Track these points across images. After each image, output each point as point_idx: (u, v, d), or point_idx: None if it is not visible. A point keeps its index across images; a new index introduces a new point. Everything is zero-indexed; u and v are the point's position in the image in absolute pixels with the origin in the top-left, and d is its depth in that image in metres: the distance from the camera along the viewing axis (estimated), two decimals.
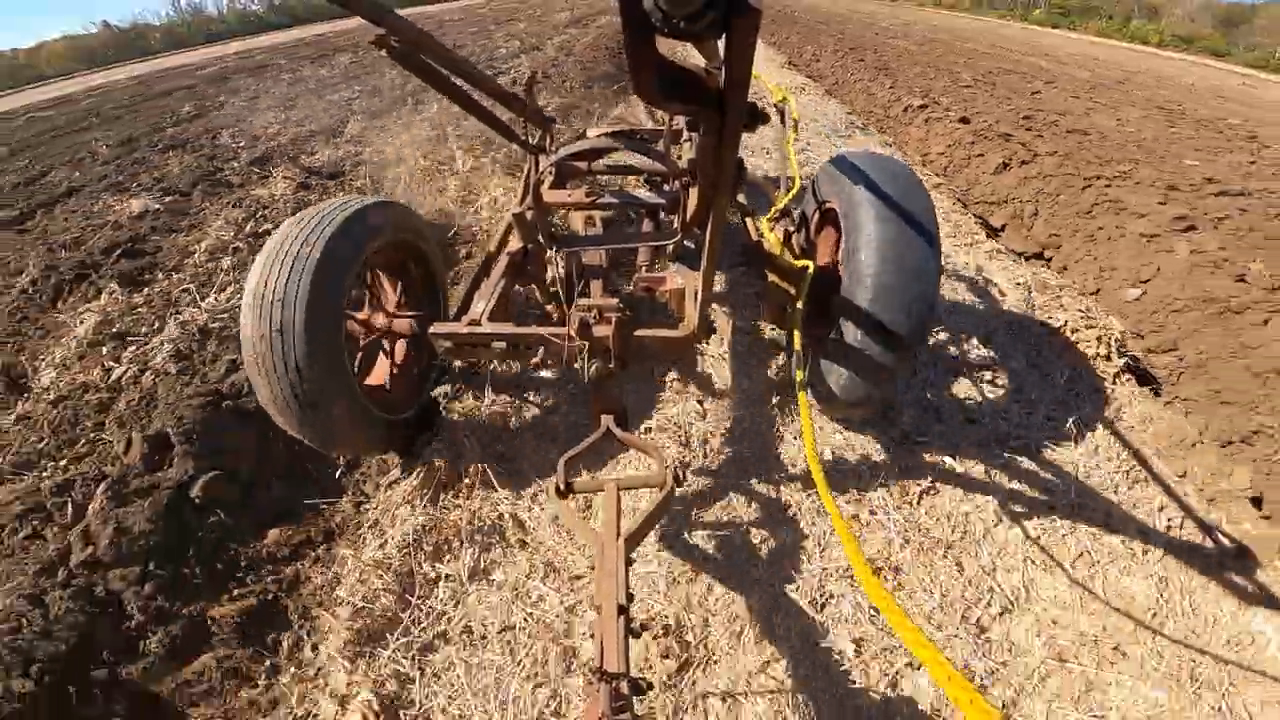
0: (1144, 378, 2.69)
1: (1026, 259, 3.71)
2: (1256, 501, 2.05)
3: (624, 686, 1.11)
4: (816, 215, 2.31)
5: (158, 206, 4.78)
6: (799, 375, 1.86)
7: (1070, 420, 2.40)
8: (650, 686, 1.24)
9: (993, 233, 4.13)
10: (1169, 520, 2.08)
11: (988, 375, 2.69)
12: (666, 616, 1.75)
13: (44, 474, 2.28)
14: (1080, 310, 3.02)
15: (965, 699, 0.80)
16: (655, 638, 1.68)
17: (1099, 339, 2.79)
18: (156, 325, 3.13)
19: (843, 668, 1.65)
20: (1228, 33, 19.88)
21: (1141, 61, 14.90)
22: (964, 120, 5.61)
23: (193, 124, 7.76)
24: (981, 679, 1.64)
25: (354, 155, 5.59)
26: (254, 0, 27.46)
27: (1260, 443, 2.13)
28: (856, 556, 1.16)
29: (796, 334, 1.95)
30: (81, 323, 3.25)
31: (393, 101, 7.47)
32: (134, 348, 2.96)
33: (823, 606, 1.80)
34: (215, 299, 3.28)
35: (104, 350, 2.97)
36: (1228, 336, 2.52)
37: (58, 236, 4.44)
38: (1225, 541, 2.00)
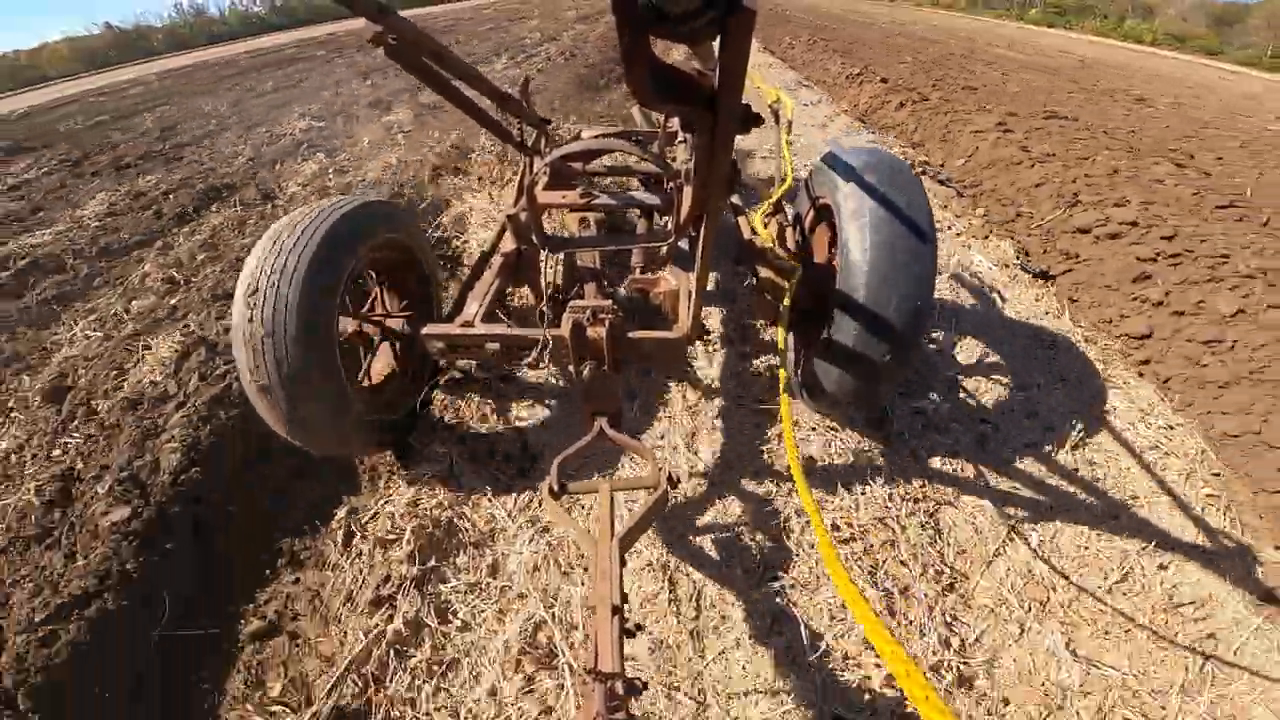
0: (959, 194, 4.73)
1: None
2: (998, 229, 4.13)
3: (619, 686, 1.11)
4: (811, 212, 2.30)
5: (319, 125, 7.02)
6: (783, 373, 1.86)
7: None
8: (645, 686, 1.24)
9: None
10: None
11: None
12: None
13: None
14: (903, 153, 5.70)
15: (920, 696, 0.81)
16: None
17: (912, 162, 5.37)
18: (359, 166, 5.41)
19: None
20: (1220, 31, 19.95)
21: (1131, 60, 14.98)
22: (884, 80, 7.70)
23: (281, 93, 9.14)
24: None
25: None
26: (255, 2, 27.36)
27: (1020, 222, 4.05)
28: (829, 552, 1.17)
29: (781, 332, 1.95)
30: (307, 168, 5.53)
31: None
32: (349, 174, 5.24)
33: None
34: (392, 158, 5.44)
35: (330, 175, 5.27)
36: (1009, 176, 4.55)
37: (250, 142, 6.57)
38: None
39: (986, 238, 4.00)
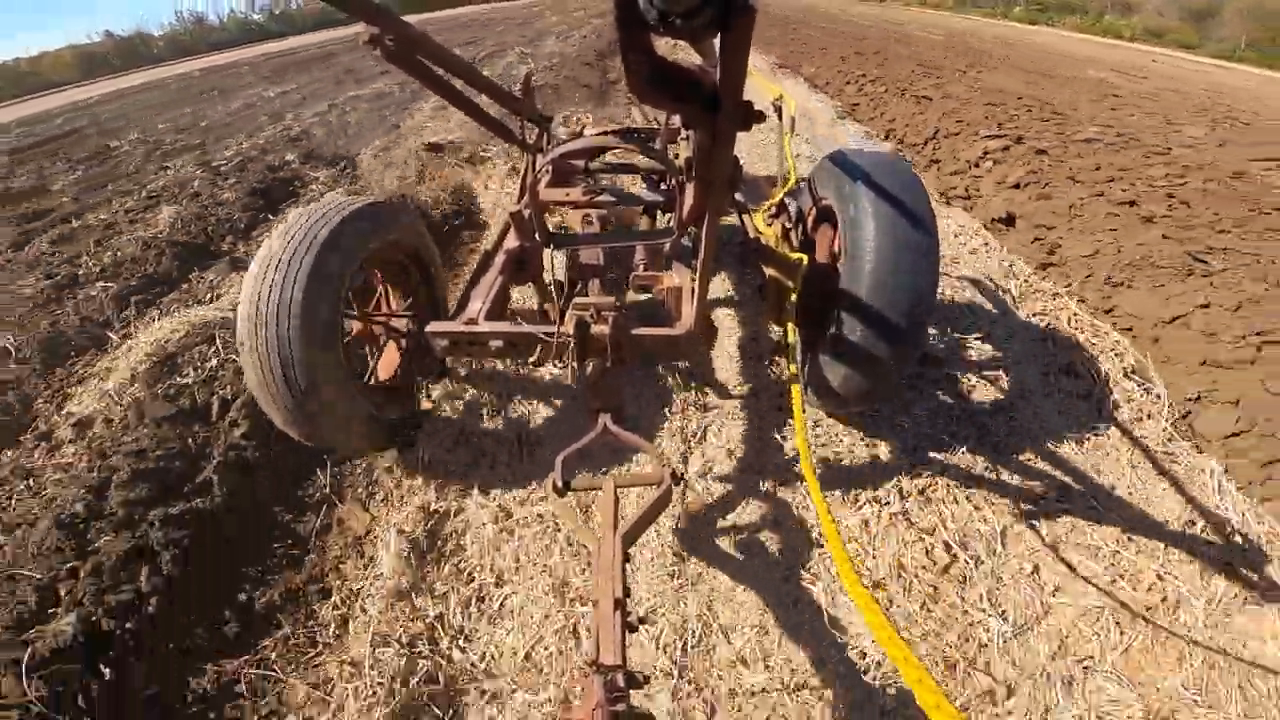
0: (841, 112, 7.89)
1: (815, 85, 9.47)
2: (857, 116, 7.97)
3: (620, 679, 1.12)
4: (813, 212, 2.32)
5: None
6: (792, 368, 1.87)
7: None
8: (647, 680, 1.25)
9: (811, 83, 9.84)
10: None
11: None
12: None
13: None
14: (802, 79, 9.97)
15: (932, 703, 0.82)
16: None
17: (783, 65, 11.31)
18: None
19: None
20: (1197, 26, 19.99)
21: (1134, 61, 15.20)
22: (822, 48, 12.16)
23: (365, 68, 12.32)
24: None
25: (498, 74, 10.18)
26: (254, 9, 27.23)
27: (830, 87, 9.15)
28: (840, 552, 1.19)
29: (791, 326, 1.96)
30: (429, 106, 8.24)
31: (497, 50, 12.57)
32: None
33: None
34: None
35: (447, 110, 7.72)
36: (840, 77, 9.44)
37: (383, 87, 10.11)
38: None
39: (821, 97, 8.64)
